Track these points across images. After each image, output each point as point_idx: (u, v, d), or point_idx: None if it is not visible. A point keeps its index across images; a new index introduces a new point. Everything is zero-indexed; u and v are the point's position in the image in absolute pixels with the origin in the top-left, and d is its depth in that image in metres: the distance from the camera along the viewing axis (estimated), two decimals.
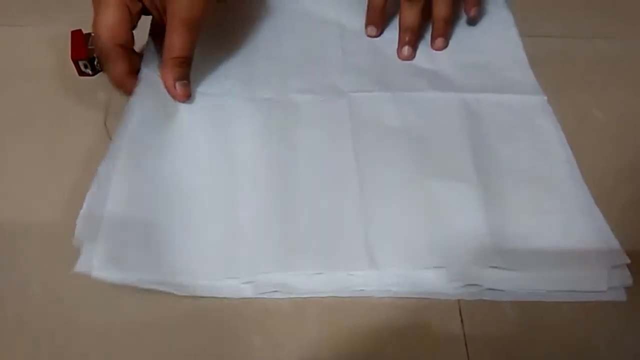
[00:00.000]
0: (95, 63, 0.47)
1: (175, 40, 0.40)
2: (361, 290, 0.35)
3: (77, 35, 0.47)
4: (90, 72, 0.47)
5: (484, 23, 0.54)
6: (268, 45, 0.50)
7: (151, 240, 0.35)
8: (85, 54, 0.46)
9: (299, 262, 0.35)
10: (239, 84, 0.46)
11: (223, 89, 0.45)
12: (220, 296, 0.34)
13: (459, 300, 0.35)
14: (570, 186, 0.40)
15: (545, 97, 0.47)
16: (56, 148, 0.42)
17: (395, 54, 0.50)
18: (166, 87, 0.41)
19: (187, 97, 0.42)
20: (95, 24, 0.40)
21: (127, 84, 0.42)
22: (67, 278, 0.33)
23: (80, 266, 0.33)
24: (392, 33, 0.52)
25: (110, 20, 0.40)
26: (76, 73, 0.47)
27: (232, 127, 0.42)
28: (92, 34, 0.47)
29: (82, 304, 0.34)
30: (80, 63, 0.47)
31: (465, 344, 0.33)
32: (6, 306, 0.34)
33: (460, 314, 0.34)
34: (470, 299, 0.35)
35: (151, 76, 0.43)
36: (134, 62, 0.43)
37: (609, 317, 0.34)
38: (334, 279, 0.35)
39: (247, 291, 0.34)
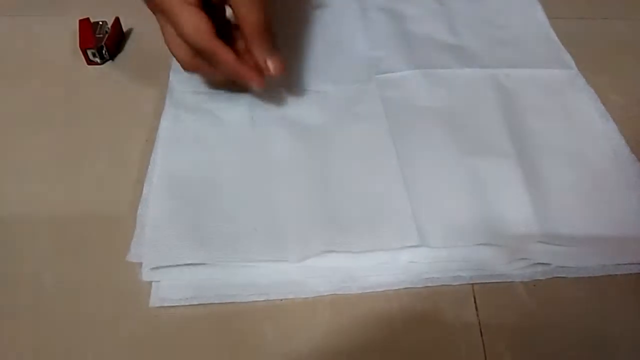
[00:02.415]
0: (104, 52, 0.47)
1: (250, 13, 0.36)
2: (412, 264, 0.35)
3: (84, 24, 0.47)
4: (98, 61, 0.47)
5: (508, 1, 0.53)
6: (290, 36, 0.49)
7: (197, 232, 0.35)
8: (94, 42, 0.46)
9: (348, 242, 0.35)
10: (269, 80, 0.45)
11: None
12: (269, 281, 0.34)
13: (473, 287, 0.35)
14: (610, 160, 0.40)
15: (576, 70, 0.46)
16: (70, 138, 0.42)
17: (418, 29, 0.50)
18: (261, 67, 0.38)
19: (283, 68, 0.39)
20: (180, 30, 0.36)
21: (240, 70, 0.38)
22: (80, 271, 0.33)
23: (134, 256, 0.34)
24: (414, 8, 0.52)
25: (193, 20, 0.35)
26: (85, 62, 0.47)
27: (267, 120, 0.42)
28: (101, 23, 0.47)
29: (95, 297, 0.34)
30: (89, 52, 0.46)
31: (480, 331, 0.33)
32: (20, 297, 0.34)
33: (475, 301, 0.34)
34: (530, 279, 0.35)
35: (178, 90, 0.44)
36: (233, 46, 0.39)
37: (624, 301, 0.34)
38: (383, 257, 0.35)
39: (296, 274, 0.34)
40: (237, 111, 0.43)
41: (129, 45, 0.49)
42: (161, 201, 0.36)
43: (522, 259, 0.35)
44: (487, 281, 0.35)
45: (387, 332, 0.33)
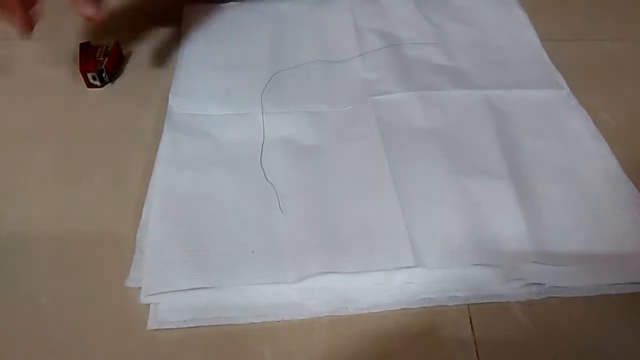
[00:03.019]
0: (104, 75, 0.47)
1: None
2: (408, 284, 0.35)
3: (85, 47, 0.48)
4: (98, 84, 0.48)
5: (499, 22, 0.55)
6: (287, 55, 0.50)
7: (196, 256, 0.35)
8: (94, 66, 0.47)
9: (344, 263, 0.35)
10: (267, 100, 0.46)
11: (249, 107, 0.46)
12: (267, 303, 0.34)
13: (468, 306, 0.35)
14: (603, 180, 0.41)
15: (568, 90, 0.47)
16: (70, 158, 0.43)
17: (413, 51, 0.51)
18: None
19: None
20: None
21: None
22: (75, 288, 0.33)
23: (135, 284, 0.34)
24: (408, 31, 0.53)
25: None
26: (84, 85, 0.48)
27: (264, 141, 0.43)
28: (101, 46, 0.48)
29: (93, 319, 0.34)
30: (89, 75, 0.47)
31: (476, 350, 0.33)
32: (16, 318, 0.34)
33: (471, 320, 0.34)
34: (525, 299, 0.35)
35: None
36: None
37: (620, 320, 0.34)
38: (379, 277, 0.35)
39: (294, 295, 0.35)
40: (235, 132, 0.44)
41: (129, 69, 0.50)
42: (159, 225, 0.37)
43: (517, 279, 0.35)
44: (483, 301, 0.35)
45: (384, 352, 0.33)
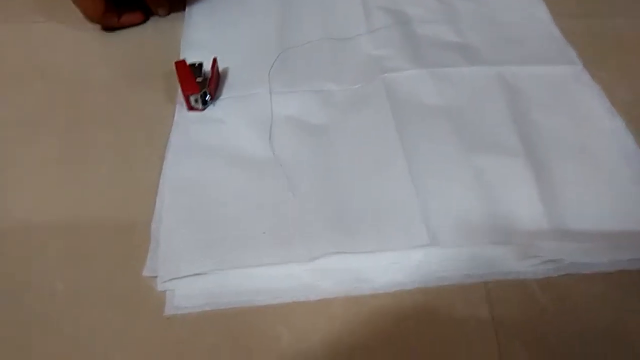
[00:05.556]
0: (207, 98, 0.44)
1: None
2: (423, 263, 0.35)
3: (183, 67, 0.42)
4: (200, 107, 0.44)
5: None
6: (294, 33, 0.50)
7: (209, 240, 0.35)
8: (198, 88, 0.43)
9: (357, 242, 0.35)
10: (274, 80, 0.46)
11: (256, 88, 0.45)
12: (281, 285, 0.34)
13: (485, 285, 0.34)
14: (619, 156, 0.40)
15: (581, 66, 0.46)
16: (72, 146, 0.42)
17: (422, 28, 0.50)
18: None
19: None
20: None
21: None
22: (90, 276, 0.33)
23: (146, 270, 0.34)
24: (417, 8, 0.52)
25: None
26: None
27: (273, 121, 0.42)
28: (197, 64, 0.44)
29: (109, 306, 0.34)
30: (192, 98, 0.43)
31: (495, 328, 0.33)
32: (32, 305, 0.34)
33: (488, 299, 0.34)
34: (543, 276, 0.35)
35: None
36: None
37: (639, 296, 0.34)
38: (393, 257, 0.35)
39: (307, 277, 0.34)
40: (243, 114, 0.43)
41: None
42: (172, 213, 0.37)
43: (534, 256, 0.35)
44: (500, 278, 0.35)
45: (401, 331, 0.33)
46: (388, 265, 0.35)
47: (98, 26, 0.50)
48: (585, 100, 0.44)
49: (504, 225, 0.36)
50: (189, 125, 0.42)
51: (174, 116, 0.43)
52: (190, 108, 0.44)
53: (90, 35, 0.51)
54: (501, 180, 0.38)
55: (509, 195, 0.38)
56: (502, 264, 0.35)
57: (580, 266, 0.35)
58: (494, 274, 0.35)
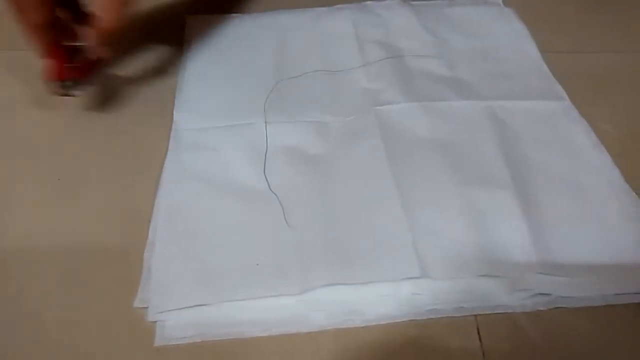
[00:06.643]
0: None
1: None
2: (414, 295, 0.35)
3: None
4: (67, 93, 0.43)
5: (499, 34, 0.55)
6: (290, 65, 0.51)
7: (202, 272, 0.35)
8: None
9: (349, 274, 0.35)
10: (270, 110, 0.46)
11: (252, 117, 0.46)
12: (273, 317, 0.34)
13: (476, 317, 0.35)
14: (606, 191, 0.41)
15: (569, 102, 0.48)
16: (63, 173, 0.42)
17: (415, 62, 0.51)
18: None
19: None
20: None
21: (39, 36, 0.40)
22: (81, 304, 0.33)
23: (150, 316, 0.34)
24: (410, 42, 0.53)
25: None
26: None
27: (268, 150, 0.43)
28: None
29: (98, 336, 0.34)
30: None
31: None
32: (21, 335, 0.33)
33: (478, 331, 0.34)
34: (532, 310, 0.35)
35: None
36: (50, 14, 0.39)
37: (626, 331, 0.34)
38: (385, 289, 0.35)
39: (300, 308, 0.34)
40: (239, 143, 0.44)
41: (132, 84, 0.49)
42: (165, 243, 0.37)
43: (523, 289, 0.35)
44: (490, 312, 0.35)
45: None
46: (380, 297, 0.35)
47: None
48: (572, 135, 0.45)
49: (494, 258, 0.37)
50: (183, 154, 0.43)
51: (168, 144, 0.44)
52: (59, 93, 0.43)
53: None
54: (491, 213, 0.39)
55: (499, 228, 0.38)
56: (492, 297, 0.35)
57: (568, 300, 0.35)
58: (485, 307, 0.35)
